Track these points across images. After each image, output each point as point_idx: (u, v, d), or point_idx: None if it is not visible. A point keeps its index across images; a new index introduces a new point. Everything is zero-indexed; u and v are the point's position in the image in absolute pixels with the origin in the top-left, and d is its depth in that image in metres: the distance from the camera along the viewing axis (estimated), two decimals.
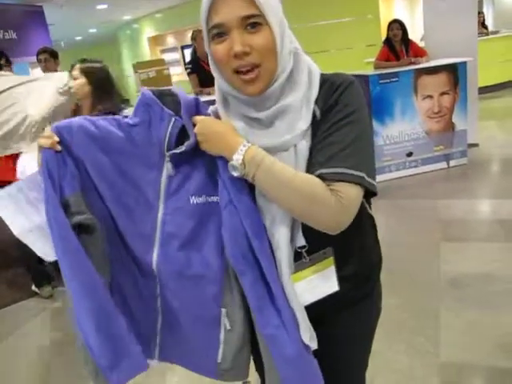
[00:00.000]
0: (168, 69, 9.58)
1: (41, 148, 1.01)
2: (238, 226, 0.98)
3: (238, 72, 0.97)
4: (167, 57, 14.06)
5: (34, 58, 4.87)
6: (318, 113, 1.00)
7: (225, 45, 0.96)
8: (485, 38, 9.33)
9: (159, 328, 1.14)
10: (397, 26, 5.45)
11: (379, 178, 5.12)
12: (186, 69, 7.00)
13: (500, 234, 3.61)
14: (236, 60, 0.95)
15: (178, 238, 1.04)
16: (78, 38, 18.30)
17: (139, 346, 1.09)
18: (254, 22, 0.94)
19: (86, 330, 1.03)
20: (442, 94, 5.09)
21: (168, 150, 1.02)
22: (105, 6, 11.91)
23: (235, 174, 0.97)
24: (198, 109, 1.05)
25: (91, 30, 16.85)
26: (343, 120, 0.97)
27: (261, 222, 1.00)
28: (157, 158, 1.04)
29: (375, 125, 5.05)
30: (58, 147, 1.02)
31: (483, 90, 7.56)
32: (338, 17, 10.61)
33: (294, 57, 1.03)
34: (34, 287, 3.65)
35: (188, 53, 13.50)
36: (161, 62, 10.26)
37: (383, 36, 5.74)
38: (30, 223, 1.14)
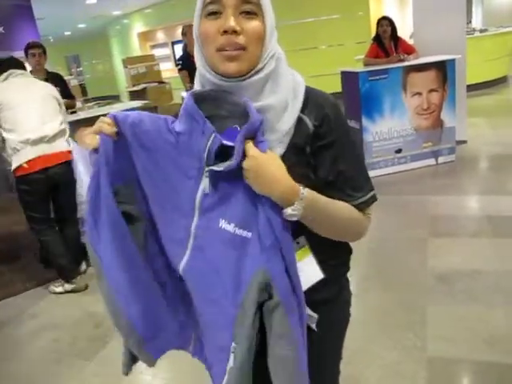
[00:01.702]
0: (158, 64, 9.55)
1: (99, 131, 1.01)
2: (282, 263, 0.98)
3: (221, 50, 0.97)
4: (157, 52, 14.01)
5: (22, 53, 4.82)
6: (310, 125, 1.03)
7: (217, 22, 0.96)
8: (474, 35, 9.40)
9: (197, 326, 1.17)
10: (386, 22, 5.47)
11: (369, 174, 5.13)
12: (176, 65, 6.99)
13: (487, 230, 3.65)
14: (223, 37, 0.96)
15: (204, 255, 1.04)
16: (67, 32, 18.15)
17: (177, 323, 1.16)
18: (250, 10, 0.96)
19: (132, 311, 1.07)
20: (431, 91, 5.12)
21: (208, 165, 0.99)
22: (94, 1, 11.84)
23: (293, 218, 0.98)
24: (257, 133, 0.98)
25: (80, 25, 16.73)
26: (351, 149, 1.09)
27: (296, 262, 1.02)
28: (195, 171, 1.01)
29: (365, 121, 5.07)
30: (116, 136, 1.02)
31: (472, 88, 7.61)
32: (328, 14, 10.63)
33: (277, 61, 1.03)
34: (66, 286, 3.59)
35: (178, 48, 13.45)
36: (151, 57, 10.23)
37: (373, 33, 5.76)
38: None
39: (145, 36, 15.80)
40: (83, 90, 17.02)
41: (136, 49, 15.81)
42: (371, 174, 4.52)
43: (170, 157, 1.03)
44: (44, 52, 4.61)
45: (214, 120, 1.00)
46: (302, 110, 1.03)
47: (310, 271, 1.09)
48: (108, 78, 19.53)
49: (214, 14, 0.97)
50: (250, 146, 0.95)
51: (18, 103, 3.36)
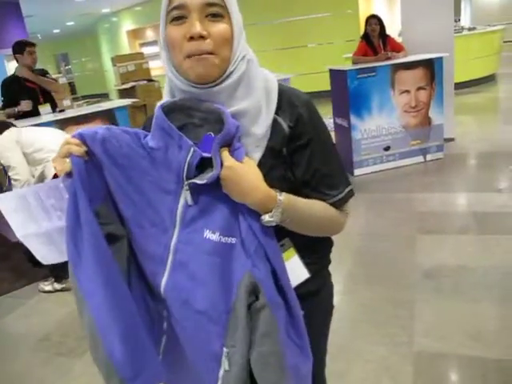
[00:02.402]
0: (147, 62, 9.52)
1: (68, 154, 0.98)
2: (267, 267, 0.99)
3: (189, 57, 0.95)
4: (146, 50, 13.93)
5: (10, 51, 4.81)
6: (285, 126, 1.02)
7: (182, 27, 0.94)
8: (462, 34, 9.47)
9: (162, 349, 1.13)
10: (374, 21, 5.49)
11: (357, 171, 5.17)
12: None
13: (474, 227, 3.69)
14: (190, 44, 0.93)
15: (187, 269, 1.01)
16: (56, 30, 18.02)
17: (158, 357, 1.10)
18: (215, 13, 0.94)
19: (112, 338, 1.00)
20: (419, 88, 5.15)
21: (188, 178, 0.97)
22: None
23: (271, 224, 0.99)
24: (233, 140, 0.97)
25: (69, 23, 16.60)
26: (325, 146, 1.08)
27: (283, 262, 1.03)
28: (174, 185, 0.99)
29: (353, 119, 5.09)
30: (86, 156, 0.99)
31: (459, 86, 7.67)
32: (317, 12, 10.64)
33: (248, 63, 1.01)
34: (55, 285, 3.58)
35: None
36: (140, 55, 10.19)
37: (362, 31, 5.78)
38: (38, 228, 1.13)
39: (134, 34, 15.72)
40: (72, 88, 16.94)
41: (125, 47, 15.74)
42: (359, 171, 4.57)
43: (145, 172, 1.01)
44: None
45: (187, 129, 0.99)
46: (276, 111, 1.02)
47: (296, 271, 1.10)
48: (97, 76, 19.43)
49: (179, 19, 0.94)
50: (225, 155, 0.95)
51: None
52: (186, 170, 0.96)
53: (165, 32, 0.97)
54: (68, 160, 0.98)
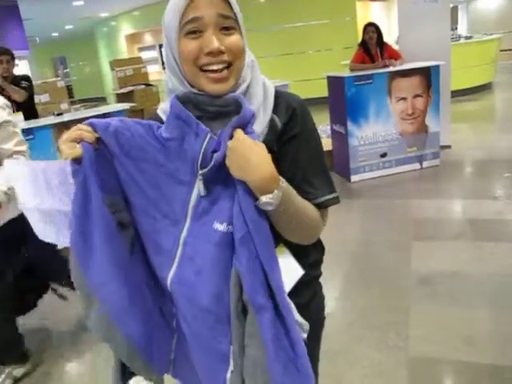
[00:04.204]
0: (145, 67, 9.54)
1: (78, 140, 0.96)
2: (255, 259, 0.93)
3: (204, 70, 0.97)
4: (145, 55, 13.98)
5: None
6: (279, 124, 1.03)
7: (198, 41, 0.96)
8: (459, 42, 9.54)
9: (174, 345, 1.12)
10: (372, 29, 5.54)
11: (354, 178, 5.20)
12: (163, 68, 7.02)
13: (469, 233, 3.71)
14: (207, 58, 0.96)
15: (195, 263, 0.99)
16: (54, 34, 18.05)
17: (172, 338, 1.12)
18: (229, 26, 0.97)
19: (130, 323, 1.01)
20: (416, 96, 5.19)
21: (202, 167, 0.95)
22: (81, 3, 11.79)
23: (267, 208, 0.93)
24: (247, 125, 0.95)
25: (68, 27, 16.64)
26: (313, 145, 1.08)
27: (276, 255, 0.96)
28: (188, 176, 0.97)
29: (350, 126, 5.12)
30: (97, 144, 0.97)
31: (457, 94, 7.73)
32: (316, 19, 10.71)
33: (252, 69, 1.05)
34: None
35: None
36: (138, 60, 10.20)
37: (360, 38, 5.83)
38: (42, 203, 1.10)
39: (132, 38, 15.75)
40: (70, 91, 16.95)
41: (123, 51, 15.77)
42: (356, 177, 4.59)
43: (159, 164, 0.99)
44: (12, 58, 4.42)
45: (201, 121, 0.97)
46: (274, 111, 1.04)
47: (289, 269, 1.06)
48: (95, 80, 19.44)
49: (195, 33, 0.96)
50: (238, 131, 0.94)
51: None
52: (201, 158, 0.95)
53: (178, 45, 0.97)
54: (78, 145, 0.96)
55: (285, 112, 1.04)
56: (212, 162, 0.93)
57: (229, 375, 1.00)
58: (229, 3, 0.96)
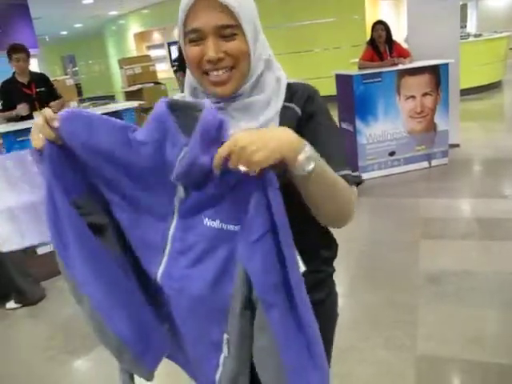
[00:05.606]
0: (154, 65, 9.58)
1: (42, 136, 0.95)
2: (274, 255, 0.90)
3: (207, 73, 1.01)
4: (153, 53, 14.02)
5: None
6: (298, 110, 1.05)
7: (200, 48, 0.99)
8: (468, 40, 9.48)
9: (166, 339, 1.15)
10: (381, 27, 5.51)
11: (362, 176, 5.17)
12: (172, 66, 7.01)
13: (478, 232, 3.70)
14: (208, 64, 0.99)
15: (186, 257, 0.99)
16: (64, 32, 18.12)
17: (162, 328, 1.13)
18: (228, 34, 0.98)
19: (116, 320, 1.04)
20: (425, 94, 5.17)
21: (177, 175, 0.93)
22: (91, 1, 11.84)
23: (309, 165, 0.88)
24: (218, 133, 0.89)
25: (77, 25, 16.70)
26: (331, 127, 1.07)
27: (295, 253, 0.93)
28: (169, 178, 0.94)
29: (358, 124, 5.11)
30: (60, 141, 0.96)
31: (466, 92, 7.68)
32: (324, 17, 10.69)
33: (266, 63, 1.06)
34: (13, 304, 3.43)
35: (174, 49, 13.47)
36: (147, 58, 10.25)
37: (369, 37, 5.81)
38: (3, 205, 1.04)
39: (141, 37, 15.80)
40: (79, 90, 17.02)
41: (132, 49, 15.81)
42: (365, 176, 4.56)
43: (135, 166, 0.97)
44: (28, 56, 4.52)
45: (189, 130, 0.94)
46: (291, 101, 1.06)
47: None
48: (104, 78, 19.50)
49: (196, 41, 0.99)
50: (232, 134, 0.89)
51: None
52: (176, 166, 0.92)
53: (184, 48, 1.02)
54: (41, 136, 0.95)
55: (301, 100, 1.06)
56: (180, 169, 0.90)
57: (222, 361, 1.03)
58: (230, 11, 0.96)
